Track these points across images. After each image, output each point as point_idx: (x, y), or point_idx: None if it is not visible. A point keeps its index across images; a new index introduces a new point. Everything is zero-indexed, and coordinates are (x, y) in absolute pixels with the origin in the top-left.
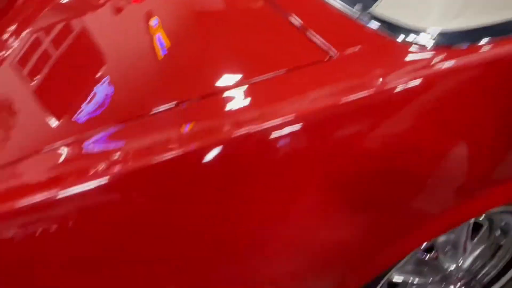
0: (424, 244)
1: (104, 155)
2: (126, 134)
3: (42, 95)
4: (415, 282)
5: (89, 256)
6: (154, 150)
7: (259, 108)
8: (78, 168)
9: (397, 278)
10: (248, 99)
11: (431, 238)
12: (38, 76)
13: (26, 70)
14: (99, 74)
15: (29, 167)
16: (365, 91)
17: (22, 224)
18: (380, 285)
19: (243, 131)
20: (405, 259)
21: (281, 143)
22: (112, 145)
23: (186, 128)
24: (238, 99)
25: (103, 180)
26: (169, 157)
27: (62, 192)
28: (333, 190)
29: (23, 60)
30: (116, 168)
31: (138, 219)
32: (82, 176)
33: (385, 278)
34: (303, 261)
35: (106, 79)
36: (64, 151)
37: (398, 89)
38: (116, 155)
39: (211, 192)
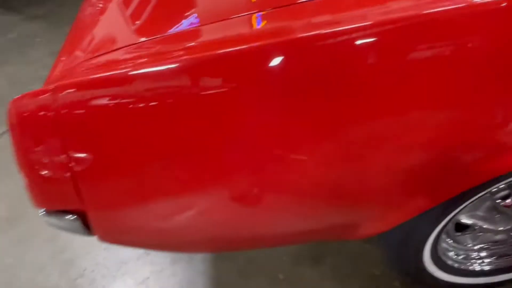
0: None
1: None
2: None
3: None
4: (484, 226)
5: None
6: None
7: None
8: None
9: (466, 220)
10: None
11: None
12: None
13: None
14: None
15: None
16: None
17: None
18: (447, 219)
19: None
20: (476, 200)
21: None
22: None
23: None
24: None
25: None
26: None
27: None
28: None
29: None
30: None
31: None
32: None
33: (455, 212)
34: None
35: None
36: None
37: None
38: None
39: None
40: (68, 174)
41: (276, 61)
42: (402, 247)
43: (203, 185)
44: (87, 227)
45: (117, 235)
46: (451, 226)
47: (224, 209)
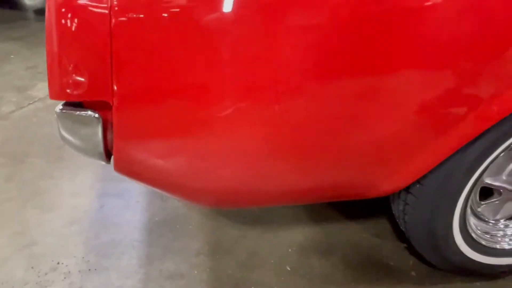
0: None
1: None
2: None
3: None
4: (510, 189)
5: None
6: None
7: None
8: None
9: (492, 182)
10: None
11: None
12: None
13: None
14: None
15: None
16: None
17: None
18: (474, 179)
19: None
20: (498, 156)
21: None
22: None
23: None
24: None
25: None
26: None
27: None
28: None
29: None
30: None
31: None
32: None
33: (480, 170)
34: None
35: None
36: None
37: None
38: None
39: None
40: (108, 60)
41: None
42: (432, 212)
43: (203, 130)
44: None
45: (135, 152)
46: (476, 193)
47: (224, 157)
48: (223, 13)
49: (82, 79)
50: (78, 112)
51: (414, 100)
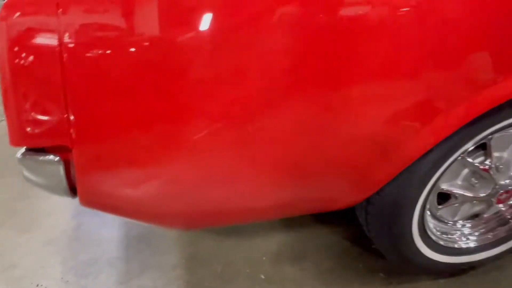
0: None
1: None
2: None
3: None
4: (465, 194)
5: None
6: None
7: None
8: None
9: (447, 188)
10: None
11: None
12: None
13: None
14: None
15: None
16: None
17: None
18: (430, 186)
19: None
20: (452, 163)
21: None
22: None
23: None
24: None
25: None
26: None
27: None
28: None
29: None
30: None
31: None
32: None
33: (435, 177)
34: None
35: None
36: None
37: None
38: None
39: None
40: (64, 105)
41: None
42: (391, 219)
43: (172, 154)
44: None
45: (100, 185)
46: (433, 198)
47: (194, 179)
48: (183, 39)
49: (38, 125)
50: (39, 158)
51: (374, 115)
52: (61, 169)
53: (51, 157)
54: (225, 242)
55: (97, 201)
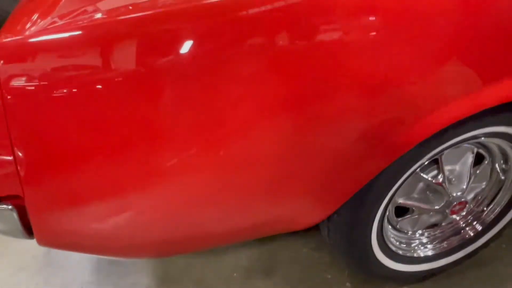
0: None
1: None
2: None
3: None
4: (421, 207)
5: None
6: None
7: None
8: None
9: (404, 201)
10: None
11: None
12: None
13: None
14: None
15: None
16: None
17: None
18: (385, 202)
19: None
20: (406, 179)
21: None
22: None
23: None
24: None
25: None
26: None
27: None
28: None
29: None
30: None
31: None
32: None
33: (391, 192)
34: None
35: None
36: None
37: None
38: None
39: None
40: (10, 156)
41: None
42: (350, 236)
43: (138, 184)
44: (25, 224)
45: (57, 225)
46: (391, 211)
47: (161, 209)
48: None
49: None
50: None
51: (334, 134)
52: (14, 215)
53: (4, 206)
54: (196, 259)
55: (56, 241)
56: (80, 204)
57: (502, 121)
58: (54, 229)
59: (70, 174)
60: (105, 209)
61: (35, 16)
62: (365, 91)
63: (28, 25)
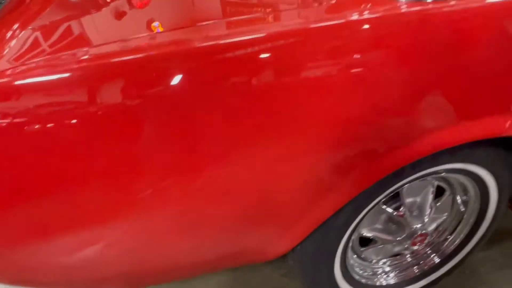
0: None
1: None
2: None
3: None
4: (384, 237)
5: None
6: None
7: None
8: None
9: (367, 233)
10: None
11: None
12: None
13: None
14: None
15: None
16: None
17: None
18: (349, 231)
19: None
20: (369, 211)
21: None
22: None
23: None
24: None
25: None
26: None
27: None
28: None
29: None
30: None
31: None
32: None
33: (354, 224)
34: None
35: None
36: None
37: None
38: None
39: None
40: None
41: None
42: (314, 265)
43: (106, 217)
44: None
45: (15, 268)
46: (355, 241)
47: (129, 243)
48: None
49: None
50: None
51: (298, 170)
52: None
53: None
54: (165, 285)
55: (15, 277)
56: (40, 239)
57: (457, 158)
58: (13, 264)
59: (33, 207)
60: (70, 242)
61: None
62: (331, 129)
63: None
